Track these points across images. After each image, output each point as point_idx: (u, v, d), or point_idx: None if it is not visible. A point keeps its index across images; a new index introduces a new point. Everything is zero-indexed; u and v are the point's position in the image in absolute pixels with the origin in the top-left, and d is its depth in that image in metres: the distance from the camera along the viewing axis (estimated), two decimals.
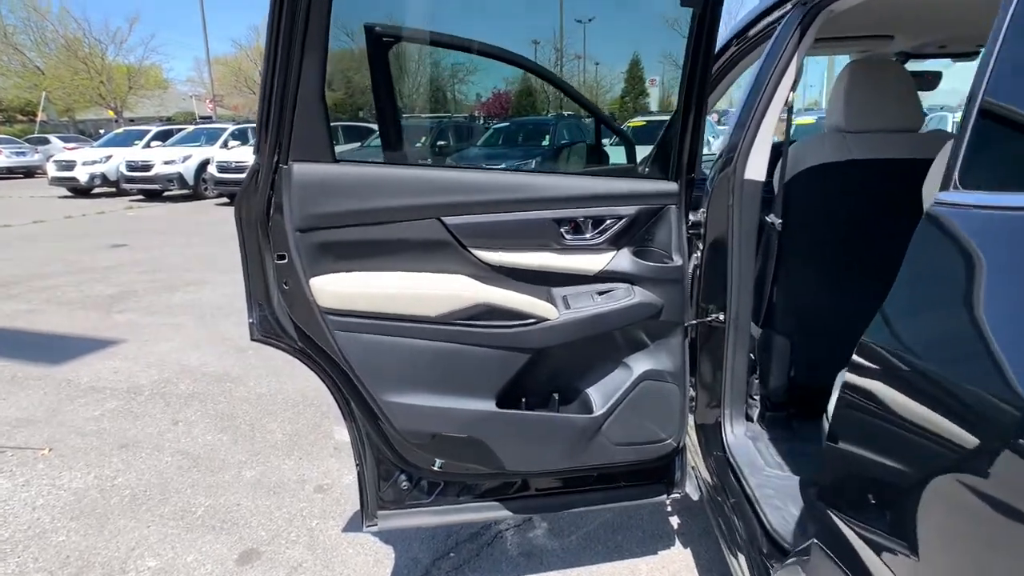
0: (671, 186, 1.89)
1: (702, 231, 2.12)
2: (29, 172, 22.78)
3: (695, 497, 2.27)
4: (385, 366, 1.80)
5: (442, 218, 1.77)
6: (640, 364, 1.99)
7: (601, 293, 1.91)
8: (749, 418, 2.32)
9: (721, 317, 2.13)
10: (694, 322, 2.13)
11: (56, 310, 5.99)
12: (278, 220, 1.73)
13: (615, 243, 1.88)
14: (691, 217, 2.07)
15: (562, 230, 1.84)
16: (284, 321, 1.87)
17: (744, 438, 2.21)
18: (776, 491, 1.91)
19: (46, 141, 24.69)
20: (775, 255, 2.16)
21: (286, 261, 1.74)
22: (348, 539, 2.61)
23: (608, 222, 1.87)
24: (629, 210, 1.86)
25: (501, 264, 1.83)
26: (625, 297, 1.89)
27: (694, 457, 2.38)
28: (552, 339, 1.86)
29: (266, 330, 1.90)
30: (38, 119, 34.03)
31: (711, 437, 2.26)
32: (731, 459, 2.13)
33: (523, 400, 1.99)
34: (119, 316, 5.78)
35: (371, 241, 1.75)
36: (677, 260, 1.91)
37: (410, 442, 1.91)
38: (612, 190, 1.85)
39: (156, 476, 3.12)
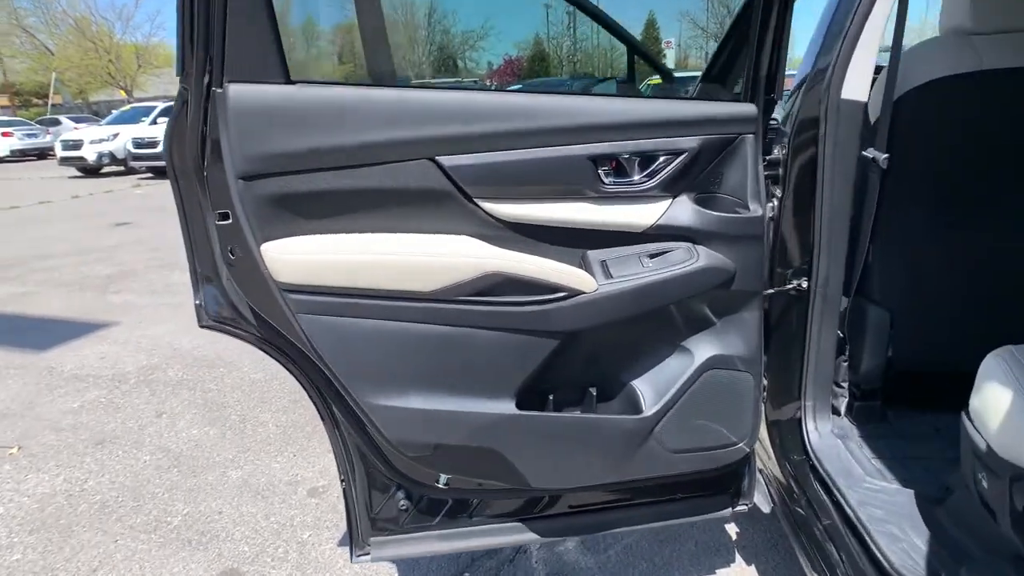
0: (747, 109, 1.41)
1: (780, 172, 1.63)
2: (42, 154, 22.60)
3: (766, 509, 1.82)
4: (366, 359, 1.36)
5: (437, 158, 1.31)
6: (704, 348, 1.53)
7: (653, 256, 1.44)
8: (835, 411, 1.85)
9: (804, 284, 1.66)
10: (770, 291, 1.65)
11: (51, 292, 5.65)
12: (216, 165, 1.28)
13: (671, 188, 1.41)
14: (767, 156, 1.59)
15: (600, 171, 1.37)
16: (239, 301, 1.43)
17: (831, 437, 1.75)
18: (888, 512, 1.45)
19: (57, 122, 24.48)
20: (875, 202, 1.66)
21: (230, 222, 1.30)
22: (344, 555, 2.21)
23: (661, 160, 1.39)
24: (690, 143, 1.39)
25: (518, 220, 1.37)
26: (685, 261, 1.42)
27: (762, 459, 1.93)
28: (588, 318, 1.41)
29: (218, 314, 1.46)
30: (49, 101, 33.91)
31: (787, 436, 1.80)
32: (817, 465, 1.67)
33: (550, 398, 1.54)
34: (115, 297, 5.42)
35: (342, 192, 1.29)
36: (755, 209, 1.44)
37: (406, 455, 1.48)
38: (667, 114, 1.37)
39: (131, 478, 2.74)
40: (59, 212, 10.45)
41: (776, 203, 1.66)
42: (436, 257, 1.32)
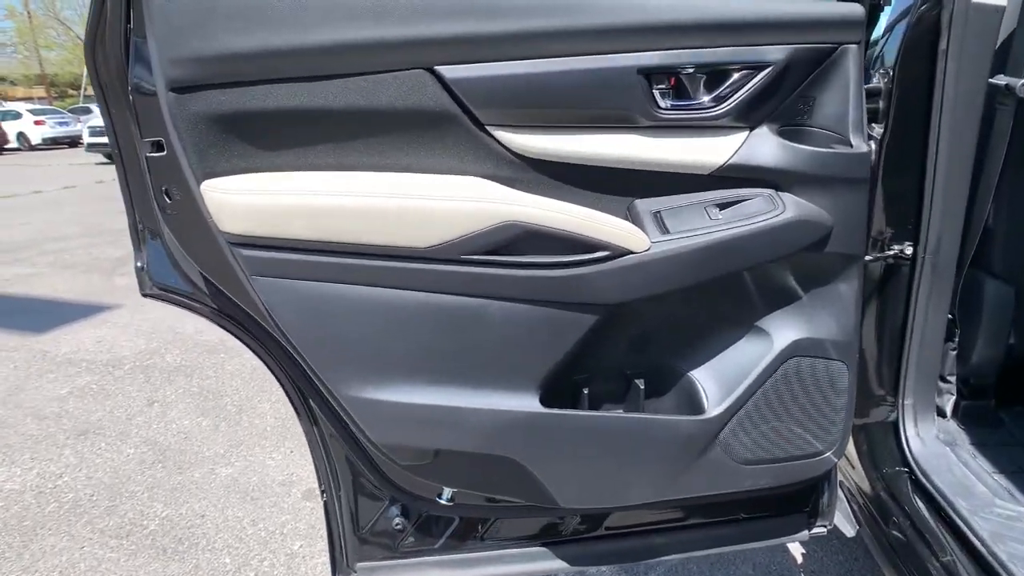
0: (851, 9, 1.04)
1: (880, 104, 1.26)
2: (73, 142, 22.77)
3: (850, 533, 1.46)
4: (344, 337, 1.03)
5: (437, 68, 0.97)
6: (786, 329, 1.18)
7: (723, 206, 1.09)
8: (940, 412, 1.48)
9: (908, 249, 1.29)
10: (866, 258, 1.28)
11: (58, 274, 5.46)
12: (143, 75, 0.96)
13: (749, 116, 1.06)
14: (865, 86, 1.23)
15: (655, 91, 1.03)
16: (184, 260, 1.11)
17: (937, 444, 1.38)
18: None
19: (88, 111, 24.68)
20: (1004, 146, 1.29)
21: (164, 153, 0.98)
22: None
23: (737, 77, 1.04)
24: (775, 53, 1.03)
25: (545, 155, 1.04)
26: (767, 212, 1.07)
27: (841, 469, 1.57)
28: (637, 287, 1.06)
29: (162, 279, 1.15)
30: (83, 91, 34.30)
31: (879, 441, 1.44)
32: (923, 479, 1.31)
33: (584, 392, 1.20)
34: (121, 279, 5.20)
35: (308, 111, 0.96)
36: (858, 144, 1.08)
37: (397, 463, 1.15)
38: (746, 13, 1.02)
39: (110, 474, 2.46)
40: (81, 196, 10.35)
41: (874, 145, 1.29)
42: (437, 202, 0.98)
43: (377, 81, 0.96)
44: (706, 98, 1.05)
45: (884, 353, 1.38)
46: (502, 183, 1.04)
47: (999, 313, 1.43)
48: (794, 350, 1.17)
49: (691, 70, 1.03)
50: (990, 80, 1.20)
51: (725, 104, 1.04)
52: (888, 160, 1.27)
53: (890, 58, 1.26)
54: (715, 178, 1.09)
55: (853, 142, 1.08)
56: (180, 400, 3.05)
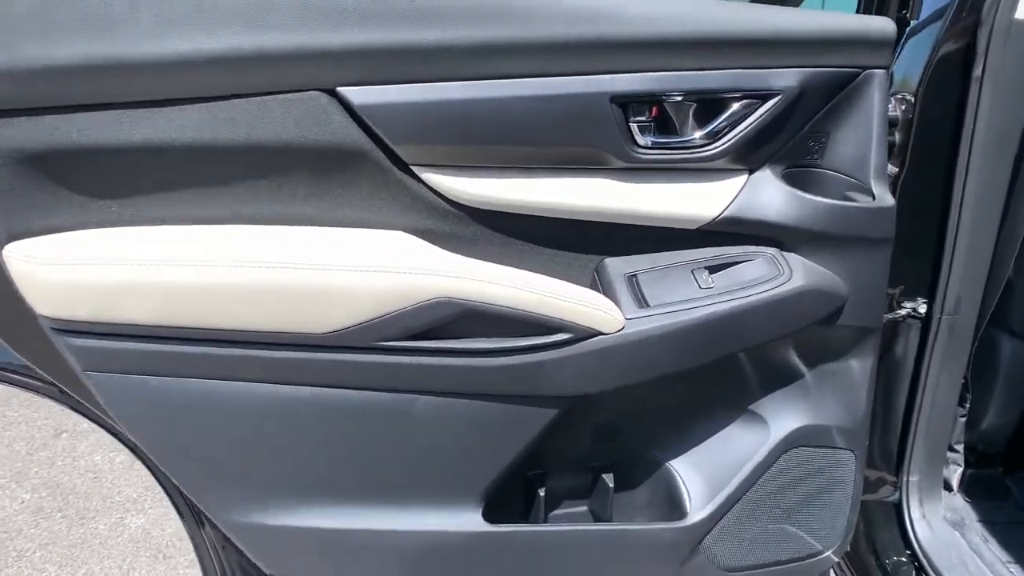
0: (879, 26, 0.83)
1: (898, 138, 1.06)
2: None
3: None
4: (216, 446, 0.78)
5: (341, 90, 0.72)
6: (787, 415, 0.97)
7: (715, 269, 0.87)
8: (947, 485, 1.30)
9: (922, 308, 1.09)
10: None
11: None
12: None
13: (749, 156, 0.84)
14: None
15: (633, 124, 0.80)
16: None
17: (945, 528, 1.20)
18: None
19: None
20: None
21: None
22: None
23: (735, 108, 0.82)
24: (783, 79, 0.81)
25: (489, 203, 0.80)
26: (770, 278, 0.85)
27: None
28: (608, 376, 0.84)
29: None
30: None
31: (880, 524, 1.25)
32: (931, 572, 1.13)
33: (540, 494, 0.97)
34: None
35: (158, 147, 0.70)
36: (882, 195, 0.87)
37: None
38: (746, 29, 0.79)
39: None
40: None
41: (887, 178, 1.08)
42: (340, 272, 0.73)
43: (258, 107, 0.70)
44: (697, 134, 0.82)
45: (889, 425, 1.19)
46: (434, 241, 0.80)
47: (1016, 375, 1.25)
48: (794, 439, 0.96)
49: (679, 98, 0.80)
50: None
51: (720, 141, 0.82)
52: (903, 203, 1.07)
53: (909, 80, 1.05)
54: (705, 233, 0.87)
55: (875, 191, 0.86)
56: (94, 430, 2.72)
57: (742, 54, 0.79)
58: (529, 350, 0.79)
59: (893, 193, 1.07)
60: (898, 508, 1.21)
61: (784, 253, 0.87)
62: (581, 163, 0.82)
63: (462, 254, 0.81)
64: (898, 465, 1.21)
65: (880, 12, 0.92)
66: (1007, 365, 1.25)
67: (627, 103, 0.78)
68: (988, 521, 1.27)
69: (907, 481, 1.21)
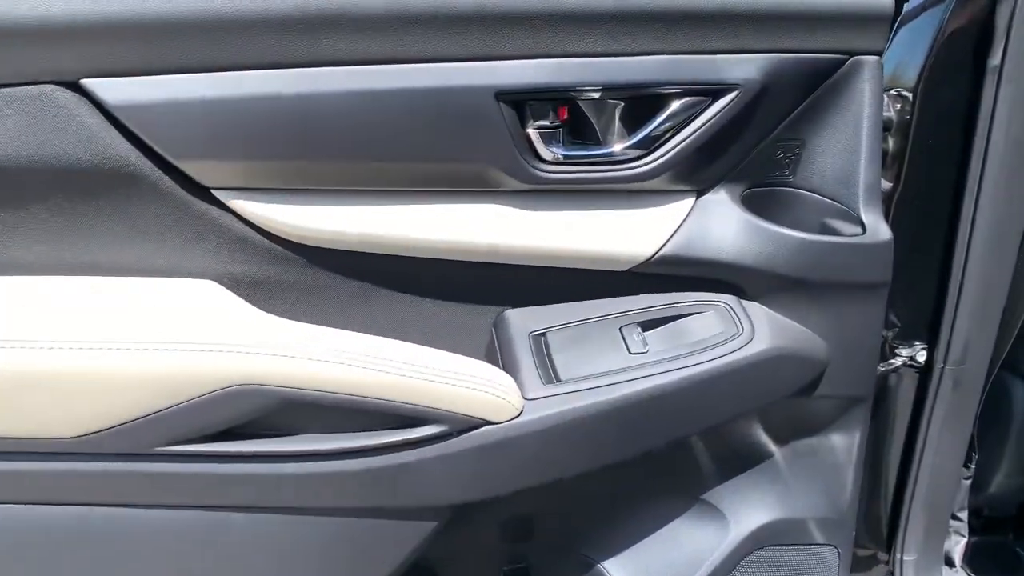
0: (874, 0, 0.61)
1: (890, 144, 0.84)
2: None
3: None
4: None
5: (86, 83, 0.48)
6: (751, 508, 0.76)
7: (651, 325, 0.65)
8: (948, 560, 1.09)
9: (921, 356, 0.88)
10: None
11: None
12: None
13: (694, 173, 0.62)
14: None
15: (532, 129, 0.57)
16: None
17: None
18: None
19: None
20: None
21: None
22: None
23: (675, 107, 0.59)
24: (742, 68, 0.59)
25: (333, 241, 0.57)
26: (724, 339, 0.63)
27: None
28: (502, 477, 0.61)
29: None
30: None
31: None
32: None
33: None
34: None
35: None
36: (874, 226, 0.65)
37: None
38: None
39: None
40: None
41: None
42: (93, 350, 0.50)
43: None
44: (623, 144, 0.60)
45: (880, 495, 0.98)
46: (258, 294, 0.57)
47: None
48: (761, 537, 0.75)
49: (595, 95, 0.58)
50: None
51: (656, 154, 0.60)
52: (899, 226, 0.85)
53: (906, 72, 0.84)
54: (639, 276, 0.64)
55: (866, 220, 0.65)
56: None
57: (684, 34, 0.57)
58: (385, 450, 0.56)
59: (886, 215, 0.86)
60: None
61: (744, 303, 0.65)
62: (464, 185, 0.59)
63: (303, 310, 0.59)
64: (890, 542, 1.00)
65: None
66: (1021, 417, 1.05)
67: (521, 101, 0.56)
68: None
69: (901, 561, 1.00)
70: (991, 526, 1.15)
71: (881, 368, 0.91)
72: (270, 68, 0.52)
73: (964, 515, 1.12)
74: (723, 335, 0.63)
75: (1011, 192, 0.81)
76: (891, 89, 0.85)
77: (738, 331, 0.63)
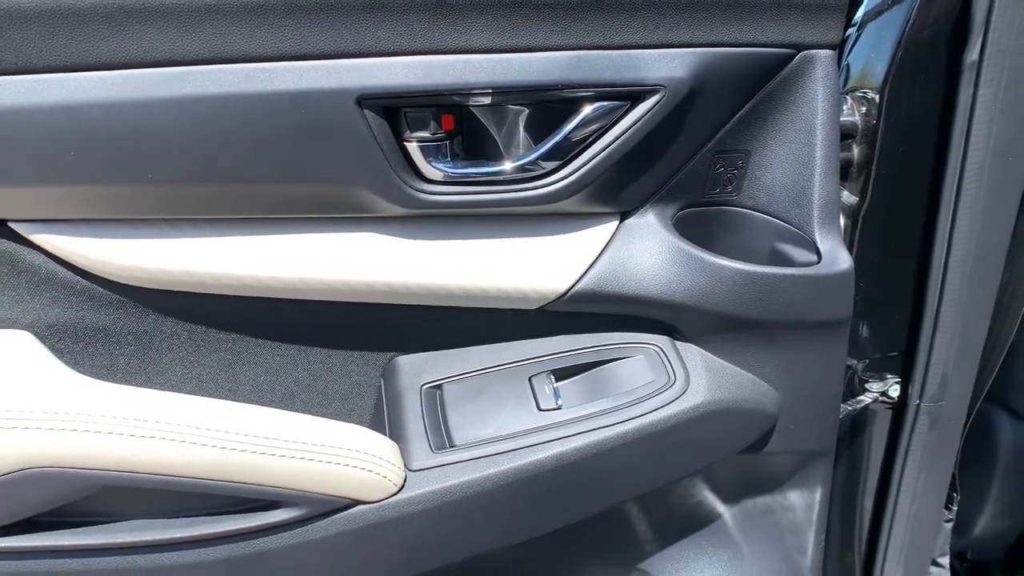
0: None
1: (854, 153, 0.74)
2: None
3: None
4: None
5: None
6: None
7: (566, 374, 0.54)
8: None
9: (894, 391, 0.78)
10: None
11: None
12: None
13: (615, 192, 0.51)
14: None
15: (410, 142, 0.46)
16: None
17: None
18: None
19: None
20: None
21: None
22: None
23: (588, 112, 0.48)
24: (668, 65, 0.48)
25: (176, 282, 0.46)
26: (655, 390, 0.52)
27: None
28: (377, 566, 0.50)
29: None
30: None
31: None
32: None
33: None
34: None
35: None
36: (832, 252, 0.55)
37: None
38: None
39: None
40: None
41: (843, 220, 0.77)
42: None
43: None
44: (526, 158, 0.49)
45: (851, 543, 0.88)
46: (77, 345, 0.46)
47: (1020, 465, 0.95)
48: None
49: (486, 99, 0.47)
50: None
51: (566, 171, 0.50)
52: (865, 248, 0.76)
53: (871, 75, 0.74)
54: (553, 315, 0.54)
55: (823, 246, 0.55)
56: None
57: (593, 24, 0.47)
58: (234, 537, 0.46)
59: (852, 233, 0.76)
60: None
61: (679, 345, 0.55)
62: (331, 211, 0.49)
63: (143, 367, 0.48)
64: None
65: None
66: (1009, 454, 0.95)
67: (394, 107, 0.45)
68: None
69: None
70: (976, 571, 1.06)
71: (849, 407, 0.81)
72: (69, 71, 0.41)
73: (946, 561, 1.03)
74: (652, 385, 0.52)
75: (993, 207, 0.71)
76: (855, 91, 0.75)
77: (670, 380, 0.52)
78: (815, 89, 0.54)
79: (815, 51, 0.53)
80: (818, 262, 0.54)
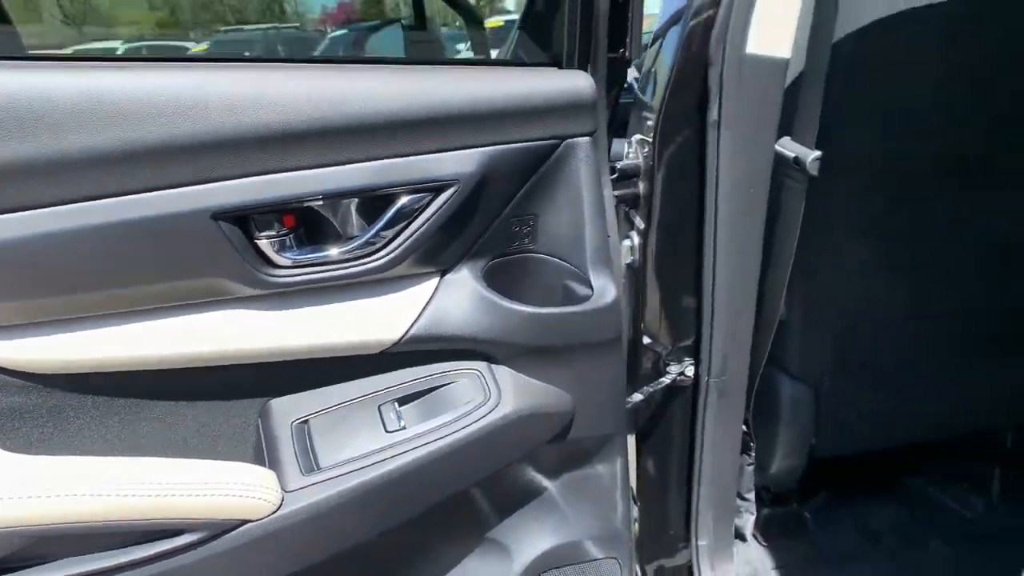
0: (571, 83, 0.67)
1: (641, 189, 0.92)
2: None
3: None
4: None
5: None
6: (531, 539, 0.84)
7: (408, 399, 0.70)
8: (739, 534, 1.23)
9: (690, 371, 0.98)
10: (637, 397, 0.95)
11: None
12: None
13: (433, 255, 0.66)
14: (619, 160, 0.90)
15: (260, 240, 0.60)
16: None
17: None
18: None
19: None
20: (796, 231, 1.00)
21: None
22: None
23: (404, 203, 0.63)
24: (459, 166, 0.63)
25: (66, 368, 0.57)
26: (475, 406, 0.68)
27: None
28: (273, 567, 0.64)
29: None
30: None
31: None
32: None
33: None
34: None
35: None
36: (602, 288, 0.72)
37: None
38: (397, 108, 0.60)
39: None
40: None
41: (637, 240, 0.95)
42: None
43: None
44: (356, 242, 0.63)
45: (672, 491, 1.09)
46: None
47: (800, 417, 1.19)
48: (544, 563, 0.82)
49: (318, 201, 0.60)
50: (777, 147, 0.89)
51: (390, 248, 0.64)
52: (654, 261, 0.94)
53: (648, 127, 0.92)
54: (394, 355, 0.68)
55: (595, 283, 0.72)
56: None
57: (393, 140, 0.61)
58: (148, 562, 0.58)
59: (643, 252, 0.95)
60: (690, 572, 1.13)
61: (494, 368, 0.71)
62: (206, 297, 0.61)
63: (56, 438, 0.58)
64: (686, 530, 1.12)
65: (586, 58, 0.76)
66: (788, 408, 1.18)
67: (242, 218, 0.58)
68: (783, 566, 1.22)
69: (697, 546, 1.12)
70: (779, 499, 1.30)
71: (654, 387, 1.00)
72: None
73: (752, 495, 1.26)
74: (474, 402, 0.68)
75: (745, 222, 0.90)
76: (640, 137, 0.93)
77: (487, 397, 0.68)
78: (579, 166, 0.70)
79: (575, 139, 0.69)
80: (592, 295, 0.71)
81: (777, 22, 0.82)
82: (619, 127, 0.97)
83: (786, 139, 0.93)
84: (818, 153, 0.87)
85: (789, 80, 0.94)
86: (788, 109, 0.92)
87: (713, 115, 0.84)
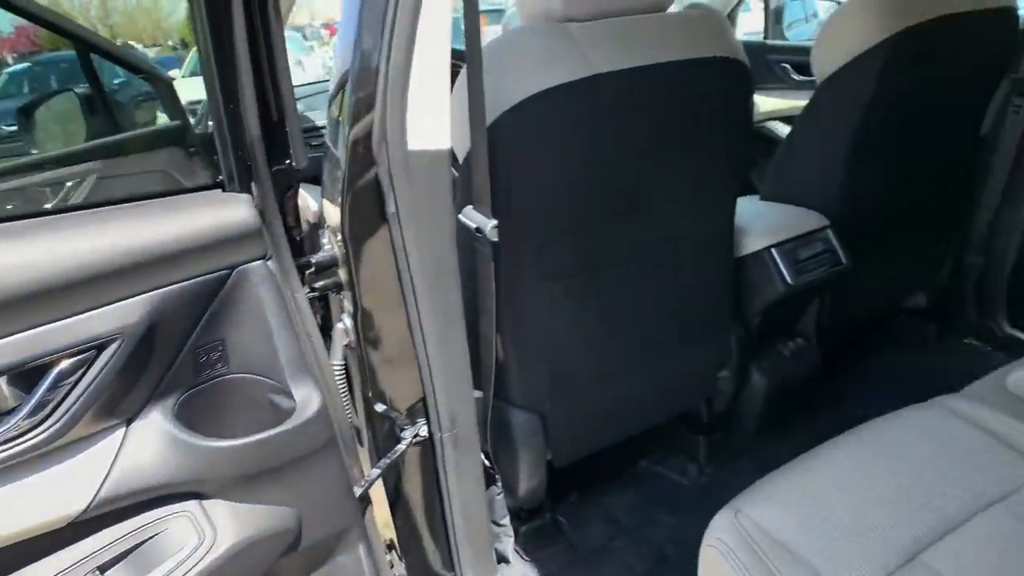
0: (239, 212, 0.69)
1: (343, 275, 0.96)
2: None
3: None
4: None
5: None
6: None
7: (114, 562, 0.66)
8: (504, 559, 1.34)
9: (423, 431, 1.05)
10: (375, 472, 0.99)
11: None
12: None
13: (111, 410, 0.63)
14: (313, 257, 0.92)
15: None
16: None
17: None
18: None
19: None
20: (492, 284, 1.11)
21: None
22: None
23: (64, 367, 0.59)
24: (117, 319, 0.61)
25: None
26: (191, 550, 0.67)
27: None
28: None
29: None
30: None
31: None
32: None
33: None
34: None
35: None
36: (306, 400, 0.75)
37: None
38: (32, 277, 0.57)
39: None
40: None
41: (349, 323, 0.99)
42: None
43: None
44: (14, 417, 0.58)
45: (428, 541, 1.15)
46: None
47: (531, 440, 1.32)
48: None
49: None
50: (460, 217, 0.98)
51: (53, 418, 0.59)
52: (371, 340, 0.98)
53: (336, 217, 0.95)
54: (89, 522, 0.64)
55: (296, 395, 0.74)
56: None
57: (43, 307, 0.57)
58: None
59: (356, 331, 0.98)
60: None
61: (206, 504, 0.69)
62: None
63: None
64: (452, 570, 1.18)
65: (250, 170, 0.76)
66: (520, 434, 1.30)
67: None
68: (545, 575, 1.34)
69: None
70: (535, 513, 1.43)
71: (391, 456, 1.05)
72: None
73: (507, 519, 1.36)
74: (187, 547, 0.66)
75: (443, 294, 0.97)
76: (328, 228, 0.96)
77: (201, 537, 0.67)
78: (256, 290, 0.71)
79: (247, 265, 0.70)
80: (295, 408, 0.73)
81: (432, 116, 0.89)
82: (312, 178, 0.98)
83: (469, 208, 1.02)
84: (495, 222, 0.97)
85: (463, 155, 1.04)
86: (468, 181, 1.01)
87: (391, 207, 0.90)
